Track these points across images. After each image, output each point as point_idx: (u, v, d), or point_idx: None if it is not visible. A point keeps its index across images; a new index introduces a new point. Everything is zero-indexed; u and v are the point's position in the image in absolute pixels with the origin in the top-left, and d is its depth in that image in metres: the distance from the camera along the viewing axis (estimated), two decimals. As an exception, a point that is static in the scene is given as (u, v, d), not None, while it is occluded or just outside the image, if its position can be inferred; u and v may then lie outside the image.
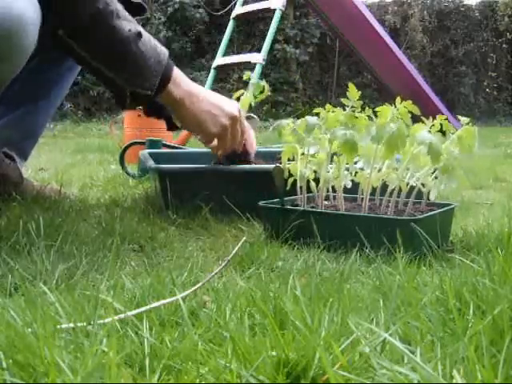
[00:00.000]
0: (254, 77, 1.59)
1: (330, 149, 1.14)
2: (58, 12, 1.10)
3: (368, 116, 1.12)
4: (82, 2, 1.11)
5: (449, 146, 1.08)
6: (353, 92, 1.12)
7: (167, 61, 1.22)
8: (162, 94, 1.22)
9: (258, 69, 3.29)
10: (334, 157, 1.14)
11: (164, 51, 1.22)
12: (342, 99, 1.14)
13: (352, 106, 1.13)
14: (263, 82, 1.57)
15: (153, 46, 1.20)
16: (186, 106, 1.25)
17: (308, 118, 1.15)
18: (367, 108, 1.14)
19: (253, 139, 1.43)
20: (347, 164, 1.15)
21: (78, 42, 1.15)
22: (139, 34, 1.17)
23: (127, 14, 1.18)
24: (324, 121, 1.14)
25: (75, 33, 1.14)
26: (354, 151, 1.08)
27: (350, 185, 1.18)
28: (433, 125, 1.10)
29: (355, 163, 1.16)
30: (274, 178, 1.15)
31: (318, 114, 1.18)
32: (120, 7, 1.16)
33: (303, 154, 1.19)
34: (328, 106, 1.18)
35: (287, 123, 1.21)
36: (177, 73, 1.24)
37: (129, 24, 1.16)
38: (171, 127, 1.34)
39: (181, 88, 1.24)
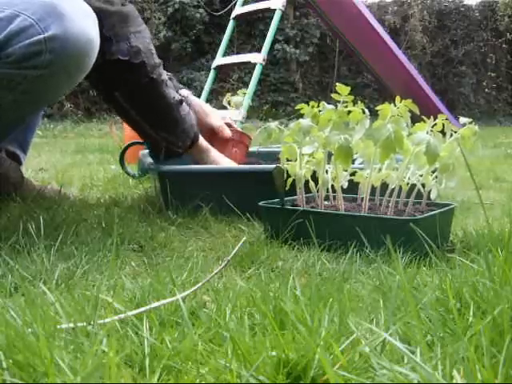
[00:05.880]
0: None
1: (326, 149, 1.14)
2: (113, 77, 1.26)
3: (362, 109, 1.11)
4: (143, 72, 1.26)
5: (450, 145, 1.07)
6: (342, 88, 1.12)
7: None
8: (190, 150, 1.43)
9: (258, 69, 3.29)
10: (332, 157, 1.14)
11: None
12: (333, 94, 1.12)
13: (344, 101, 1.13)
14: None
15: (189, 110, 1.39)
16: (210, 157, 1.47)
17: (301, 120, 1.14)
18: (359, 102, 1.13)
19: None
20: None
21: (130, 101, 1.31)
22: (181, 102, 1.35)
23: (173, 82, 1.37)
24: (316, 120, 1.13)
25: (129, 95, 1.31)
26: (348, 157, 1.07)
27: (346, 185, 1.18)
28: (435, 124, 1.10)
29: (353, 162, 1.16)
30: (275, 179, 1.15)
31: (300, 112, 1.18)
32: (167, 77, 1.34)
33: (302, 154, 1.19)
34: (312, 102, 1.17)
35: (275, 126, 1.21)
36: None
37: (173, 92, 1.34)
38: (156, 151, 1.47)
39: (204, 144, 1.46)
